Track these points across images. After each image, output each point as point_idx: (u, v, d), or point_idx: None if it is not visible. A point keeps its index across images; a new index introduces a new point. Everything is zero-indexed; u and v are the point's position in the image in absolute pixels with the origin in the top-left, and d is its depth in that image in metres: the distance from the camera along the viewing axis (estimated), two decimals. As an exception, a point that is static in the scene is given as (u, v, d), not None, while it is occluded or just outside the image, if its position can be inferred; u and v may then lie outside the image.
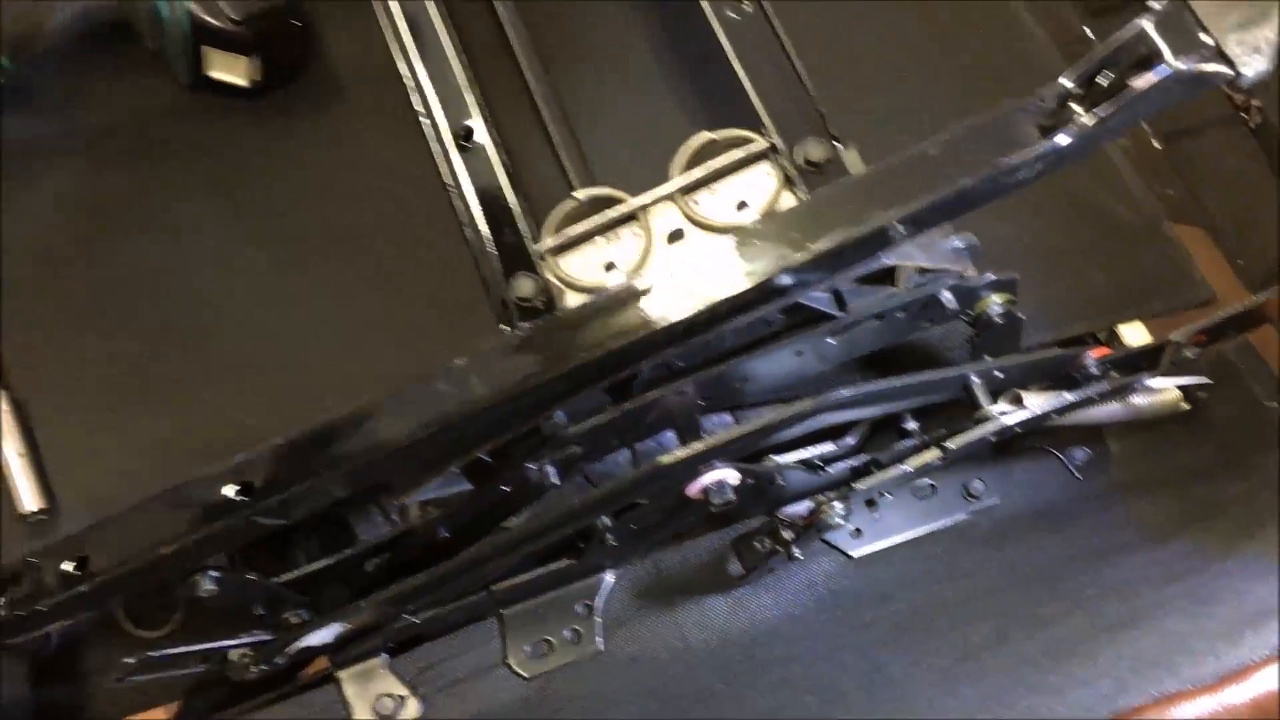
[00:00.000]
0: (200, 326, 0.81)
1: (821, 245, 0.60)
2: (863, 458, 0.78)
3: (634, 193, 0.69)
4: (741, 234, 0.62)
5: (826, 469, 0.77)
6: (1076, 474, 0.83)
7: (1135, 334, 0.87)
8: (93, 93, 0.89)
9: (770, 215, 0.65)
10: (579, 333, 0.60)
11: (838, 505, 0.70)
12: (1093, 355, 0.75)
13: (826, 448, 0.77)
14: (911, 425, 0.78)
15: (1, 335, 0.79)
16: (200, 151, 0.88)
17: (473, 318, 0.76)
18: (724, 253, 0.61)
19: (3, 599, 0.61)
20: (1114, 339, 0.87)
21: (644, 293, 0.62)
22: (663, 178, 0.69)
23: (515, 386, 0.59)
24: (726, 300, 0.60)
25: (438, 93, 0.71)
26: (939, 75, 0.94)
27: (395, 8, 0.74)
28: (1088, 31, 1.01)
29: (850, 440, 0.78)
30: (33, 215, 0.84)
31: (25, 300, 0.81)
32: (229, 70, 0.87)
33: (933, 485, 0.82)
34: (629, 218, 0.67)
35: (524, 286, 0.64)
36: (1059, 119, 0.60)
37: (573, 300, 0.65)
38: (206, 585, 0.64)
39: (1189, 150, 0.99)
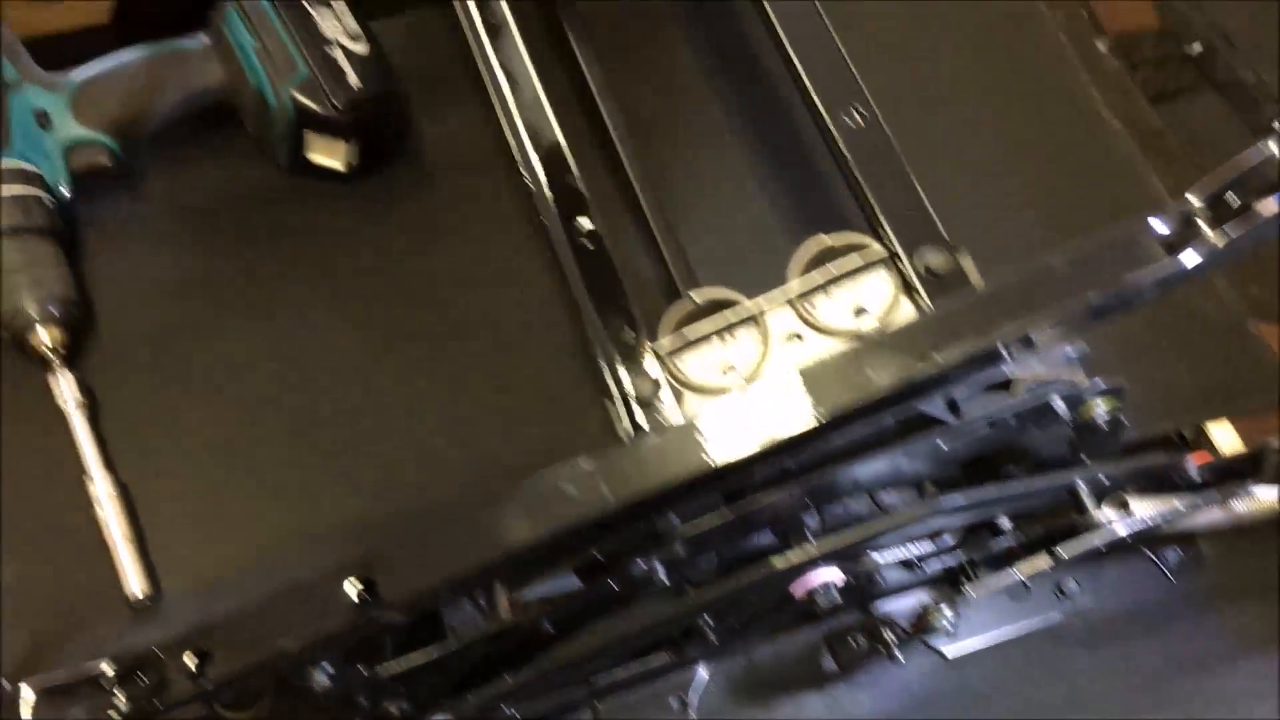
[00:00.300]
0: (303, 410, 0.81)
1: (948, 358, 0.60)
2: (959, 556, 0.78)
3: (743, 293, 0.70)
4: (865, 342, 0.62)
5: (923, 566, 0.78)
6: (1170, 576, 0.83)
7: (1223, 433, 0.87)
8: (191, 175, 0.91)
9: (893, 324, 0.65)
10: (704, 439, 0.61)
11: (947, 611, 0.70)
12: (1194, 460, 0.76)
13: (924, 546, 0.77)
14: (1005, 524, 0.78)
15: (106, 419, 0.79)
16: (300, 235, 0.89)
17: (582, 411, 0.78)
18: (847, 361, 0.62)
19: (124, 691, 0.61)
20: (1200, 438, 0.87)
21: (767, 399, 0.62)
22: (766, 278, 0.70)
23: (641, 493, 0.60)
24: (850, 409, 0.61)
25: (551, 186, 0.72)
26: (1029, 173, 0.96)
27: (510, 100, 0.74)
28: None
29: (948, 539, 0.78)
30: (135, 297, 0.85)
31: (128, 383, 0.81)
32: (328, 154, 0.89)
33: (1025, 583, 0.82)
34: (746, 320, 0.67)
35: (645, 387, 0.65)
36: (1184, 236, 0.61)
37: (692, 401, 0.66)
38: (321, 679, 0.65)
39: (1274, 248, 0.99)
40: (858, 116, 0.70)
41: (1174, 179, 1.01)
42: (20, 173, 0.80)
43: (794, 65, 0.71)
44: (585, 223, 0.70)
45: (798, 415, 0.61)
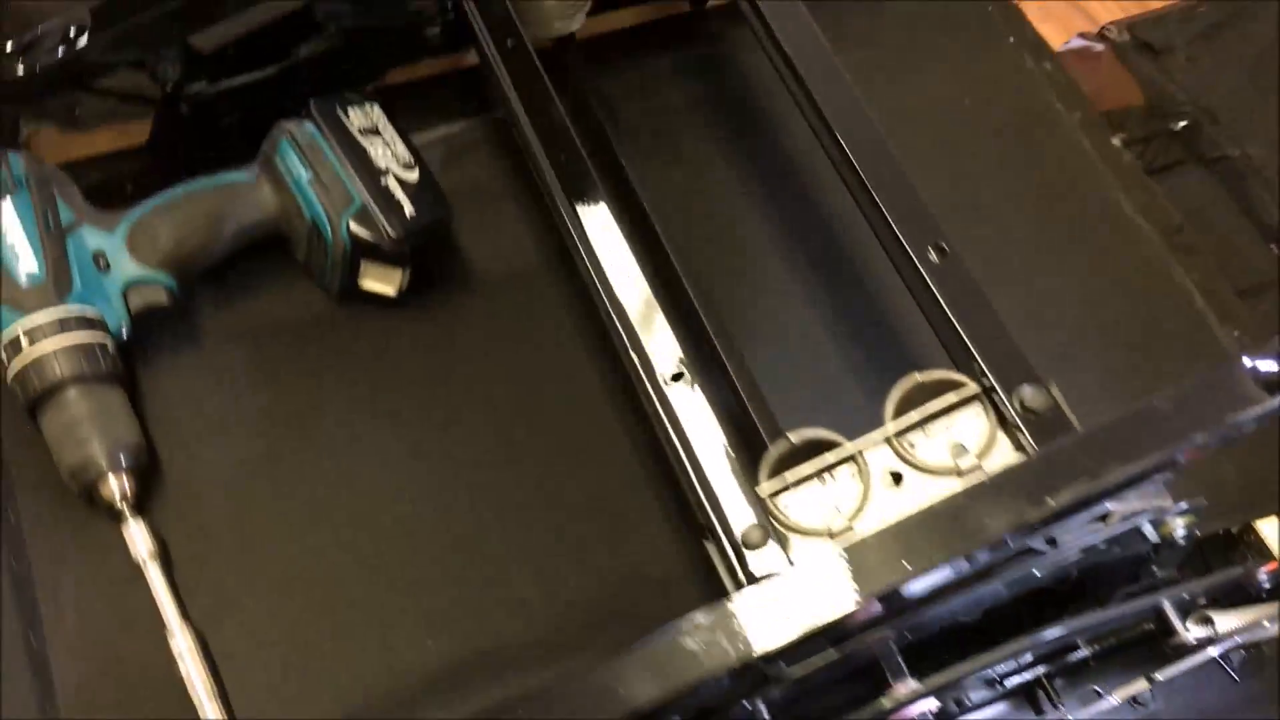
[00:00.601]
0: (374, 544, 0.81)
1: (1058, 502, 0.61)
2: (1037, 670, 0.79)
3: (833, 430, 0.70)
4: (972, 485, 0.63)
5: (1004, 684, 0.79)
6: (1234, 676, 0.85)
7: (1271, 530, 0.89)
8: (241, 304, 0.90)
9: (992, 462, 0.66)
10: (822, 588, 0.61)
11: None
12: (1266, 570, 0.77)
13: (1009, 663, 0.78)
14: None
15: (178, 563, 0.78)
16: (356, 361, 0.89)
17: (664, 545, 0.78)
18: (959, 507, 0.62)
19: None
20: (1246, 534, 0.89)
21: (880, 547, 0.63)
22: (852, 418, 0.71)
23: (766, 647, 0.60)
24: (961, 556, 0.61)
25: (634, 325, 0.72)
26: (1067, 277, 0.99)
27: (589, 229, 0.75)
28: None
29: (1028, 657, 0.79)
30: (195, 436, 0.84)
31: (197, 526, 0.81)
32: (382, 281, 0.89)
33: (1098, 690, 0.83)
34: (846, 460, 0.68)
35: (754, 535, 0.65)
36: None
37: (798, 545, 0.66)
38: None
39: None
40: (936, 253, 0.71)
41: (1199, 274, 1.04)
42: (83, 319, 0.79)
43: (877, 206, 0.72)
44: (680, 368, 0.70)
45: (906, 560, 0.61)
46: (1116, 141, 1.12)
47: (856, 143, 0.74)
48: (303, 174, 0.86)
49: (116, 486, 0.77)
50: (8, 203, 0.80)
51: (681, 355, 0.70)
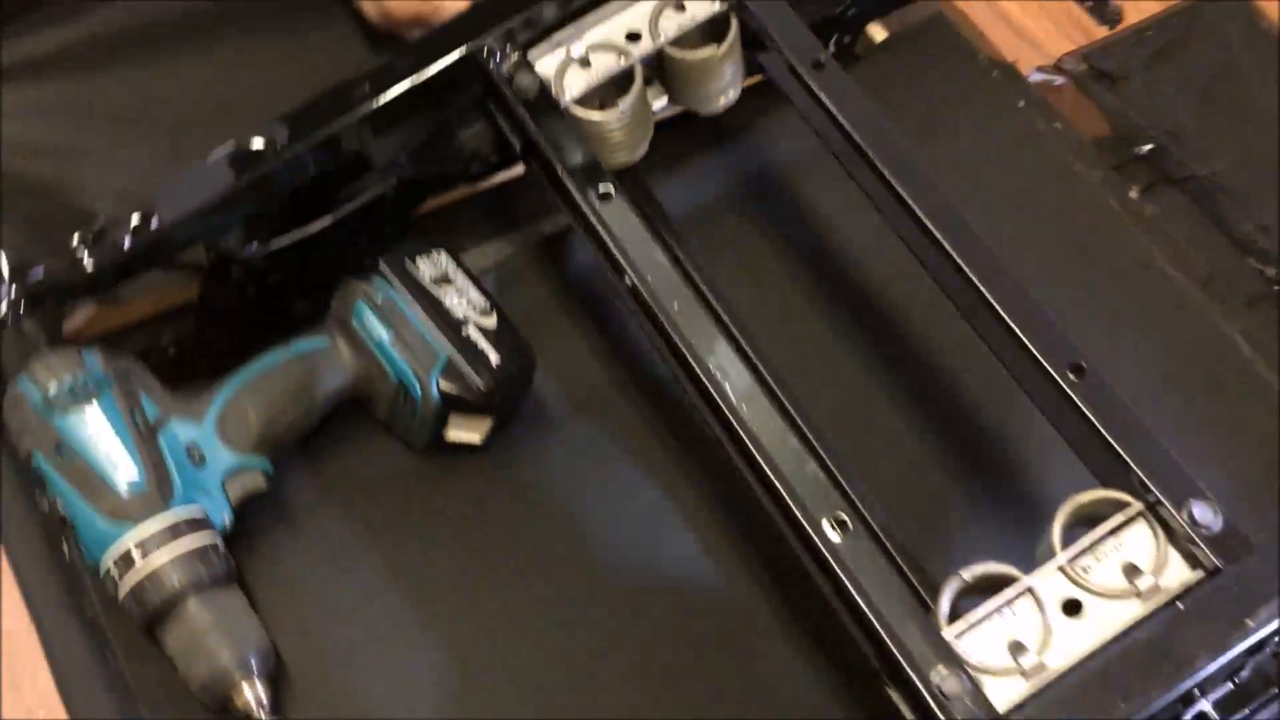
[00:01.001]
0: (494, 700, 0.79)
1: (1259, 624, 0.62)
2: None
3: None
4: (1167, 613, 0.64)
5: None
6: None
7: None
8: (326, 471, 0.88)
9: (1168, 582, 0.67)
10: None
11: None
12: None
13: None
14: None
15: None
16: (450, 516, 0.88)
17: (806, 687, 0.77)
18: (1156, 635, 0.63)
19: None
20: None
21: (1084, 682, 0.63)
22: (1003, 543, 0.71)
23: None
24: (1175, 689, 0.62)
25: (786, 475, 0.71)
26: (1112, 337, 1.00)
27: (719, 374, 0.74)
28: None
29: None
30: (306, 620, 0.82)
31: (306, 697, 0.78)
32: (468, 430, 0.87)
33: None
34: (1022, 593, 0.68)
35: (951, 684, 0.65)
36: None
37: (992, 687, 0.66)
38: None
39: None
40: (1074, 373, 0.72)
41: (1240, 321, 1.06)
42: (192, 521, 0.76)
43: (1004, 328, 0.73)
44: (836, 514, 0.70)
45: (1131, 704, 0.62)
46: (1134, 194, 1.15)
47: (975, 262, 0.74)
48: (383, 334, 0.84)
49: (251, 695, 0.74)
50: (94, 408, 0.76)
51: (843, 503, 0.69)
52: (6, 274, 0.75)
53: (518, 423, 0.90)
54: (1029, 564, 0.71)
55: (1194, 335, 1.03)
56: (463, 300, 0.86)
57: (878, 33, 1.15)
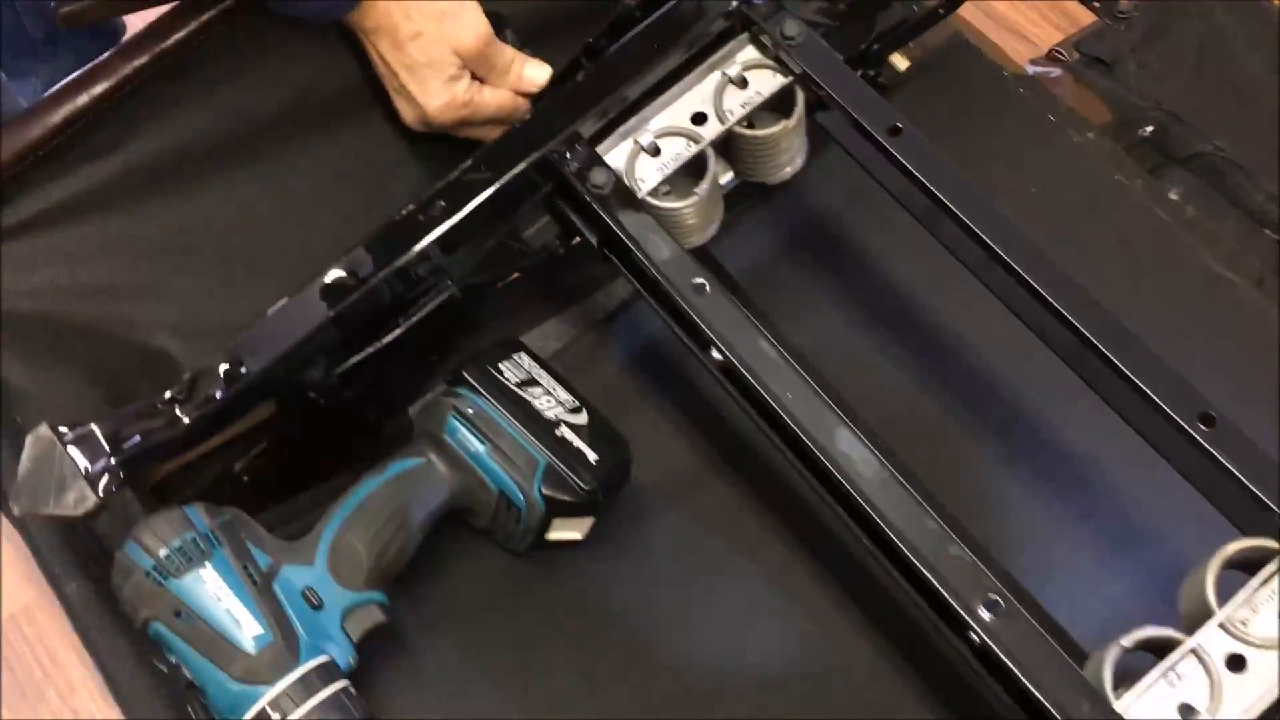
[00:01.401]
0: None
1: None
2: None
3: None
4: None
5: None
6: None
7: None
8: (433, 591, 0.86)
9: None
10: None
11: None
12: None
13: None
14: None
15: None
16: (565, 619, 0.86)
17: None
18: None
19: None
20: None
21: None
22: (1137, 599, 0.71)
23: None
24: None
25: (934, 564, 0.70)
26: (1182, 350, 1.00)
27: (845, 466, 0.73)
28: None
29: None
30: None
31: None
32: (570, 529, 0.86)
33: None
34: (1185, 655, 0.68)
35: (1129, 756, 0.65)
36: None
37: (1170, 756, 0.66)
38: None
39: None
40: (1204, 423, 0.71)
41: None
42: (322, 669, 0.74)
43: (1138, 388, 0.72)
44: (986, 596, 0.69)
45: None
46: (1174, 195, 1.15)
47: (1091, 322, 0.73)
48: (480, 448, 0.82)
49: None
50: (208, 569, 0.74)
51: (993, 582, 0.69)
52: (107, 446, 0.72)
53: (615, 512, 0.89)
54: (1170, 619, 0.71)
55: (1259, 336, 1.03)
56: (551, 400, 0.85)
57: (901, 62, 1.14)
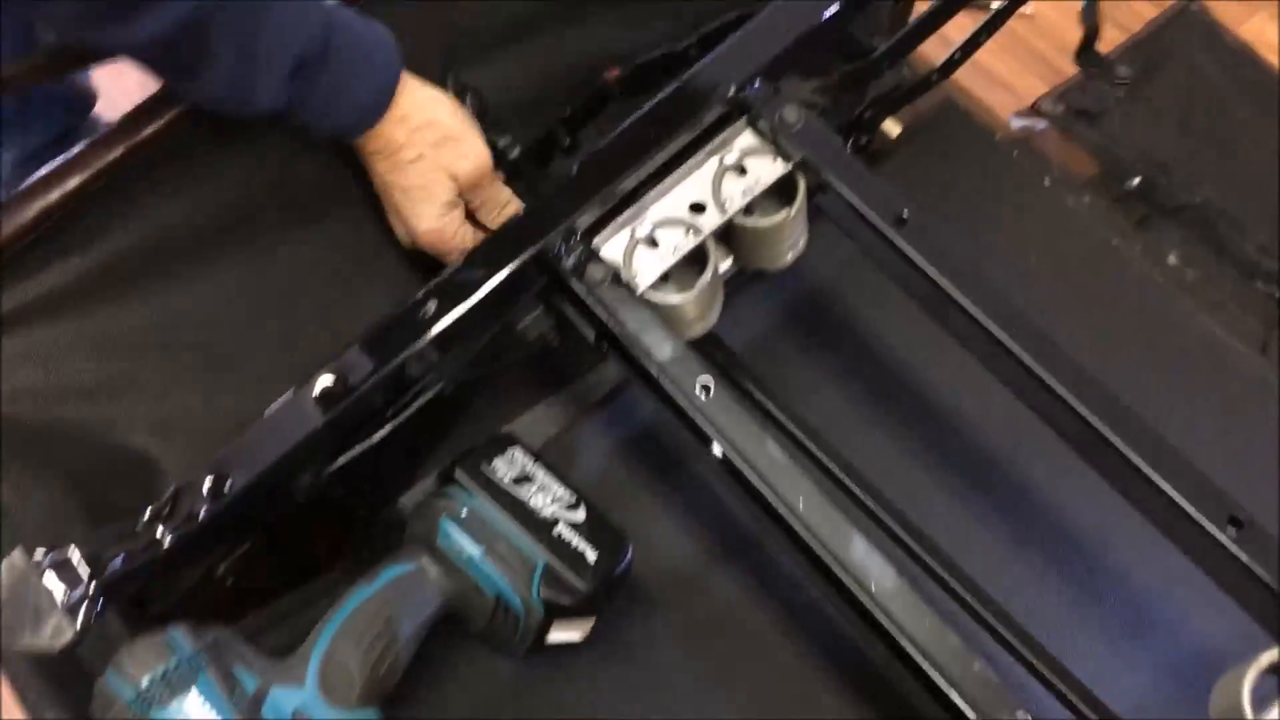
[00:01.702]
0: None
1: None
2: None
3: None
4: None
5: None
6: None
7: None
8: (427, 698, 0.83)
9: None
10: None
11: None
12: None
13: None
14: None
15: None
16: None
17: None
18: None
19: None
20: None
21: None
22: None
23: None
24: None
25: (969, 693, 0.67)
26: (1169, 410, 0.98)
27: (859, 567, 0.70)
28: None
29: None
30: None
31: None
32: (570, 630, 0.83)
33: None
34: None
35: None
36: None
37: None
38: None
39: None
40: (1234, 527, 0.69)
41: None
42: (315, 799, 0.71)
43: (1164, 493, 0.70)
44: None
45: None
46: (1173, 259, 1.13)
47: (1118, 425, 0.71)
48: (474, 551, 0.79)
49: None
50: (193, 695, 0.71)
51: (1017, 700, 0.66)
52: (86, 572, 0.68)
53: (616, 609, 0.86)
54: (1186, 708, 0.69)
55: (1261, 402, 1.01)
56: (547, 497, 0.82)
57: (892, 128, 1.12)
